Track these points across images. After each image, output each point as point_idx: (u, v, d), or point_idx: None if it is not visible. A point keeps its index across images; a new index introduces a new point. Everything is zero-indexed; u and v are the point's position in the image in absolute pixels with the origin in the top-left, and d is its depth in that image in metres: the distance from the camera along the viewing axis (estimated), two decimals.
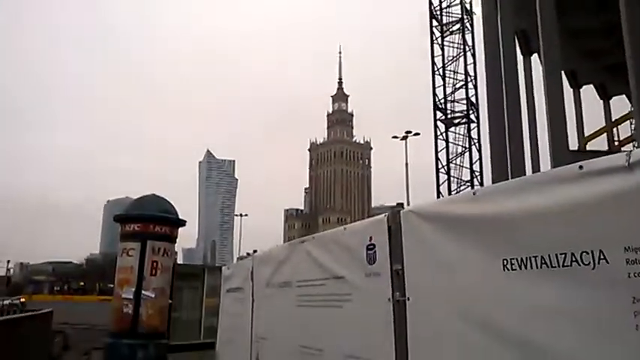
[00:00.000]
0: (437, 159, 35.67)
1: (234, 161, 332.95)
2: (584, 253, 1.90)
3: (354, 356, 3.52)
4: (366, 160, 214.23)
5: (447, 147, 35.63)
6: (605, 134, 21.60)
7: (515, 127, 16.37)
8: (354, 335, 3.58)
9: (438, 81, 36.21)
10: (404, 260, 3.07)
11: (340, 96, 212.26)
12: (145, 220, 13.59)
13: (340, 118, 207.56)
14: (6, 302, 31.92)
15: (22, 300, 35.77)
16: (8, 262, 69.13)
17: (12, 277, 73.90)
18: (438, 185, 35.25)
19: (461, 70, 36.21)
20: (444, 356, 2.68)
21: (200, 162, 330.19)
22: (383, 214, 3.40)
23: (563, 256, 1.99)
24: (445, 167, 35.30)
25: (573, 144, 18.22)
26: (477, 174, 35.00)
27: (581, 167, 2.00)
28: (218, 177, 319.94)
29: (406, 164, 40.69)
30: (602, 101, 23.75)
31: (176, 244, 14.78)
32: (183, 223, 14.85)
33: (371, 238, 3.44)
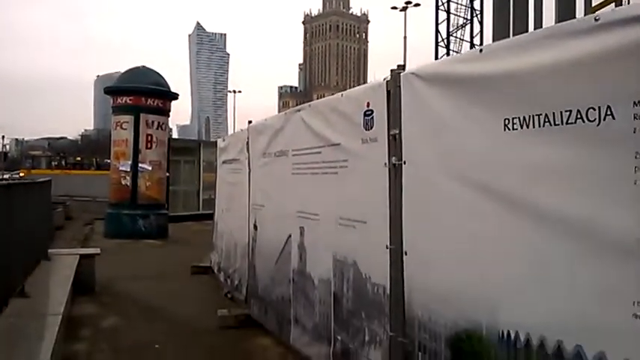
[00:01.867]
0: (437, 31, 34.36)
1: (225, 35, 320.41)
2: (591, 110, 1.85)
3: (350, 219, 3.63)
4: (363, 34, 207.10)
5: (448, 18, 34.15)
6: (613, 3, 20.58)
7: None
8: (350, 200, 3.66)
9: None
10: (402, 125, 3.02)
11: None
12: (137, 93, 13.42)
13: None
14: (5, 176, 32.54)
15: (21, 174, 36.34)
16: (3, 137, 69.20)
17: (8, 153, 74.71)
18: (437, 59, 34.33)
19: None
20: (439, 219, 2.74)
21: (189, 35, 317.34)
22: (382, 78, 3.28)
23: (568, 113, 1.93)
24: (445, 40, 34.12)
25: (580, 12, 17.46)
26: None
27: (596, 19, 1.87)
28: (209, 51, 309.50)
29: (404, 37, 39.26)
30: None
31: (170, 120, 14.78)
32: (176, 96, 14.67)
33: (369, 104, 3.36)
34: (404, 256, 3.00)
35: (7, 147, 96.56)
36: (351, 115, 3.58)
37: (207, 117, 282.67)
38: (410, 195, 2.98)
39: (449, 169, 2.64)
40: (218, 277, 7.79)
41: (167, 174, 14.43)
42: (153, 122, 13.33)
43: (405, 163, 3.00)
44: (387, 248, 3.13)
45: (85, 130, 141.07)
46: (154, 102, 13.33)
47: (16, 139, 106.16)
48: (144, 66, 14.01)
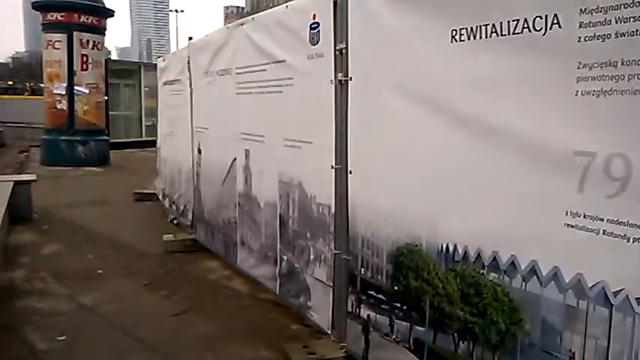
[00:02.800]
0: None
1: None
2: (538, 18, 1.79)
3: (295, 140, 3.54)
4: None
5: None
6: None
7: None
8: (295, 120, 3.55)
9: None
10: (348, 38, 2.89)
11: None
12: (70, 9, 12.37)
13: None
14: None
15: None
16: None
17: None
18: None
19: None
20: (384, 137, 2.70)
21: None
22: None
23: (515, 22, 1.87)
24: None
25: None
26: None
27: None
28: None
29: None
30: None
31: (107, 41, 13.81)
32: (111, 12, 13.64)
33: (315, 16, 3.18)
34: (348, 175, 2.98)
35: None
36: (296, 29, 3.39)
37: (149, 39, 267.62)
38: (355, 112, 2.91)
39: (395, 84, 2.57)
40: (163, 204, 7.64)
41: (105, 97, 13.70)
42: (88, 41, 12.43)
43: (351, 79, 2.90)
44: (332, 168, 3.09)
45: (16, 53, 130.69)
46: (87, 19, 12.36)
47: None
48: None
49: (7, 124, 19.76)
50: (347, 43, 2.91)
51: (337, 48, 2.98)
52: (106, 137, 13.46)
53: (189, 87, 5.71)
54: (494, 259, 2.11)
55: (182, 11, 74.05)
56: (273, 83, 3.77)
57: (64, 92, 12.34)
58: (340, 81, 2.98)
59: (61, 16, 12.15)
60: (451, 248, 2.30)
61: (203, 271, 4.97)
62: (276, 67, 3.70)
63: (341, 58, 2.98)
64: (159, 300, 4.25)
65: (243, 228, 4.48)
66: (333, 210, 3.15)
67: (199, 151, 5.56)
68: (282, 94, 3.67)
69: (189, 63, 5.72)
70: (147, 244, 5.75)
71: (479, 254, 2.18)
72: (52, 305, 4.03)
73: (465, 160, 2.18)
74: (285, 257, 3.80)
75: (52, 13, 12.22)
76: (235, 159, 4.53)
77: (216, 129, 5.05)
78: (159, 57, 9.63)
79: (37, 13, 12.61)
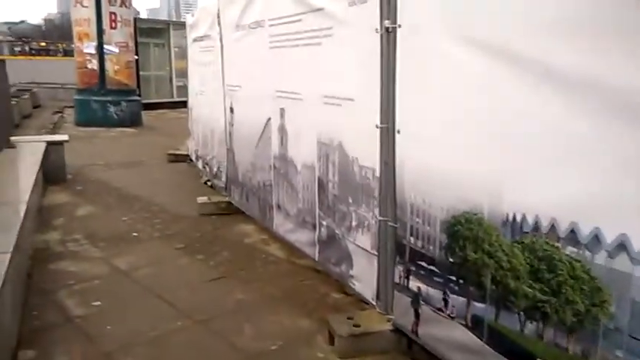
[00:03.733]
0: None
1: None
2: None
3: (335, 97, 3.26)
4: None
5: None
6: None
7: None
8: (335, 75, 3.27)
9: None
10: None
11: None
12: None
13: None
14: None
15: None
16: None
17: None
18: None
19: None
20: (439, 92, 2.39)
21: None
22: None
23: None
24: None
25: None
26: None
27: None
28: None
29: None
30: None
31: (137, 4, 13.55)
32: None
33: None
34: (396, 135, 2.71)
35: None
36: None
37: None
38: (405, 65, 2.60)
39: (455, 32, 2.25)
40: (196, 165, 7.52)
41: (136, 57, 13.54)
42: None
43: (400, 26, 2.58)
44: (377, 127, 2.82)
45: (48, 14, 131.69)
46: None
47: None
48: None
49: (42, 85, 19.94)
50: None
51: None
52: (138, 97, 13.38)
53: (219, 42, 5.44)
54: (572, 230, 1.84)
55: None
56: (310, 34, 3.47)
57: (93, 51, 12.22)
58: (387, 29, 2.66)
59: None
60: (519, 218, 2.03)
61: (239, 234, 4.83)
62: (313, 17, 3.39)
63: (388, 3, 2.65)
64: (195, 264, 4.14)
65: (280, 191, 4.28)
66: (377, 173, 2.90)
67: (231, 111, 5.33)
68: (320, 47, 3.37)
69: (219, 17, 5.42)
70: (181, 206, 5.64)
71: (553, 225, 1.91)
72: (86, 269, 3.96)
73: (542, 119, 1.88)
74: (324, 223, 3.59)
75: None
76: (270, 119, 4.29)
77: (248, 87, 4.80)
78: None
79: None
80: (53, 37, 72.10)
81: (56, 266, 4.00)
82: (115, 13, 12.19)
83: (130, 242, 4.61)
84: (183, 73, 14.27)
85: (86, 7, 12.01)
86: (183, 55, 14.33)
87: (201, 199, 5.58)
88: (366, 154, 2.99)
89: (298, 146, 3.89)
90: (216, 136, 6.11)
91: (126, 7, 12.48)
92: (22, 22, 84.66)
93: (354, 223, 3.21)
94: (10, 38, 65.32)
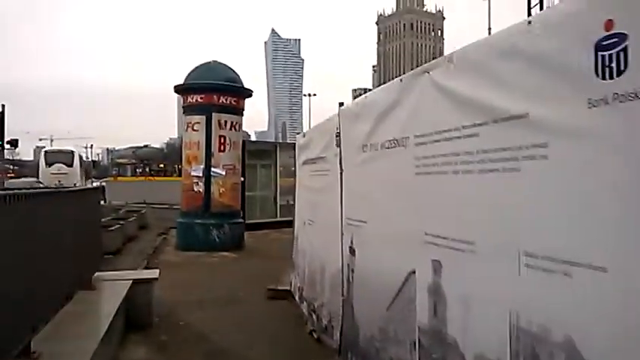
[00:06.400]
0: (529, 13, 31.17)
1: (299, 40, 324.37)
2: None
3: (550, 257, 1.90)
4: (439, 32, 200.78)
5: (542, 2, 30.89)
6: None
7: None
8: (550, 219, 1.93)
9: None
10: None
11: None
12: (209, 90, 12.14)
13: None
14: (95, 184, 33.33)
15: (104, 183, 37.04)
16: (92, 146, 72.62)
17: (99, 162, 78.77)
18: None
19: None
20: None
21: (265, 42, 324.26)
22: None
23: None
24: None
25: None
26: None
27: None
28: (284, 57, 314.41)
29: (489, 29, 36.37)
30: None
31: (247, 127, 13.65)
32: (250, 92, 13.34)
33: (611, 24, 1.62)
34: None
35: (100, 156, 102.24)
36: (556, 54, 1.85)
37: (284, 122, 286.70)
38: None
39: None
40: (299, 306, 6.26)
41: (242, 179, 13.21)
42: (226, 122, 12.12)
43: None
44: None
45: (170, 139, 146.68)
46: (226, 100, 12.11)
47: (107, 149, 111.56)
48: (215, 61, 12.79)
49: (152, 205, 20.54)
50: None
51: None
52: (241, 220, 12.80)
53: (338, 166, 4.39)
54: None
55: (314, 95, 77.02)
56: (496, 156, 2.22)
57: (200, 174, 11.99)
58: None
59: (201, 98, 12.05)
60: None
61: None
62: (504, 128, 2.16)
63: None
64: None
65: None
66: None
67: (352, 251, 4.10)
68: (519, 174, 2.09)
69: (338, 136, 4.43)
70: None
71: None
72: None
73: None
74: None
75: (192, 96, 12.19)
76: (414, 272, 2.97)
77: (379, 223, 3.57)
78: (293, 140, 8.71)
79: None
80: (172, 158, 79.01)
81: None
82: (224, 136, 12.06)
83: None
84: (286, 191, 13.72)
85: (196, 130, 12.02)
86: (287, 173, 13.89)
87: None
88: None
89: (468, 322, 2.49)
90: (328, 277, 4.87)
91: (235, 130, 12.38)
92: (146, 146, 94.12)
93: None
94: (133, 161, 72.48)
